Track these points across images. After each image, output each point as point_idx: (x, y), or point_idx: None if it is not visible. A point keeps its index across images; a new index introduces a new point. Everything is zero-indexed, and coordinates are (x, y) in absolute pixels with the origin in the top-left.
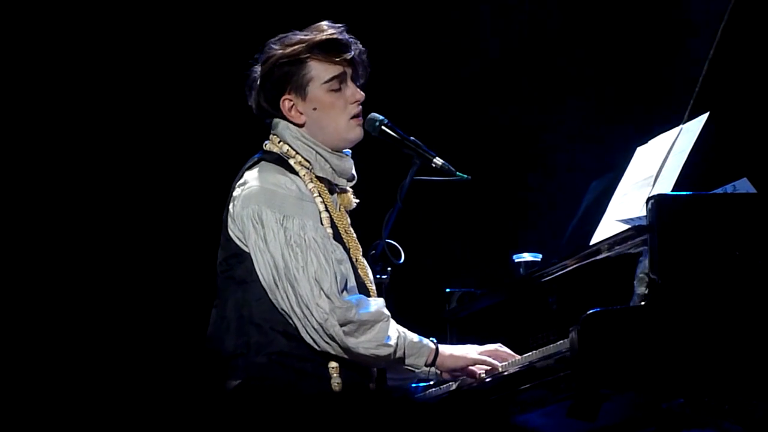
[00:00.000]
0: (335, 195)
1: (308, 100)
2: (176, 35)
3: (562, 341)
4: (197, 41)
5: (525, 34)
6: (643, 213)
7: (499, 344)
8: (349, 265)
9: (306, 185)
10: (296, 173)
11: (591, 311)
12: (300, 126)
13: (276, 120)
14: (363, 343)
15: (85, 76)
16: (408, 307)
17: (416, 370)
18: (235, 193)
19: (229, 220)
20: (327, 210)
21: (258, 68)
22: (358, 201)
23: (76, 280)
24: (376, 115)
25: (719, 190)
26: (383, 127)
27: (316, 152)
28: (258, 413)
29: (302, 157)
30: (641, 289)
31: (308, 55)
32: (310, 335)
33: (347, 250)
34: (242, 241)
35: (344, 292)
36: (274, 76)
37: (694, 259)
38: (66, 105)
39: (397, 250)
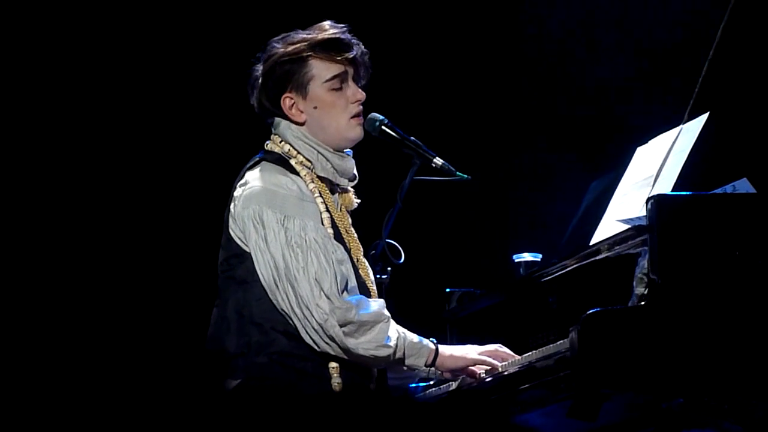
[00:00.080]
0: (336, 195)
1: (309, 99)
2: (178, 35)
3: (562, 341)
4: (199, 41)
5: (525, 33)
6: (643, 213)
7: (499, 344)
8: (349, 265)
9: (307, 185)
10: (297, 173)
11: (591, 311)
12: (300, 125)
13: (277, 120)
14: (363, 344)
15: (86, 75)
16: (408, 307)
17: (416, 371)
18: (236, 193)
19: (230, 220)
20: (328, 210)
21: (260, 67)
22: (359, 201)
23: (77, 279)
24: (376, 114)
25: (719, 190)
26: (383, 127)
27: (318, 152)
28: (258, 413)
29: (303, 156)
30: (640, 290)
31: (310, 53)
32: (310, 336)
33: (348, 251)
34: (243, 241)
35: (345, 292)
36: (275, 74)
37: (693, 259)
38: (67, 105)
39: (397, 250)
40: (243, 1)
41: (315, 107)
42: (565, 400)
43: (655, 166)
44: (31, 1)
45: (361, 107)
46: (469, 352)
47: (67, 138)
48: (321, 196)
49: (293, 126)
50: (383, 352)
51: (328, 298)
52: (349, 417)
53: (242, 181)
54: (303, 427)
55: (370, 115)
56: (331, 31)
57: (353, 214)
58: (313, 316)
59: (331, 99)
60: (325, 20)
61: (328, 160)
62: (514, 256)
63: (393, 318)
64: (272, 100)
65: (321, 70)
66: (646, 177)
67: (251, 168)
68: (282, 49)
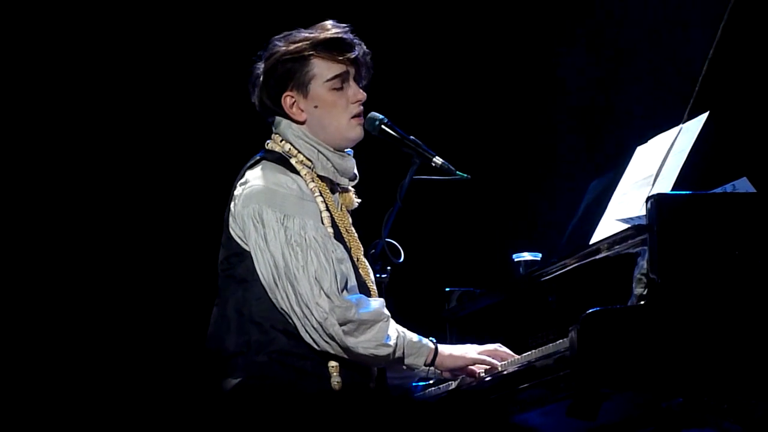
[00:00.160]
0: (337, 194)
1: (310, 98)
2: (179, 34)
3: (561, 340)
4: (200, 40)
5: (525, 32)
6: (643, 212)
7: (499, 344)
8: (349, 264)
9: (307, 184)
10: (297, 172)
11: (590, 310)
12: (301, 124)
13: (278, 119)
14: (362, 343)
15: (86, 75)
16: (407, 306)
17: (416, 370)
18: (236, 192)
19: (230, 219)
20: (328, 209)
21: (261, 65)
22: (360, 201)
23: (77, 279)
24: (376, 114)
25: (719, 190)
26: (383, 126)
27: (318, 151)
28: (258, 412)
29: (304, 156)
30: (639, 290)
31: (312, 52)
32: (309, 334)
33: (348, 250)
34: (243, 240)
35: (344, 291)
36: (277, 72)
37: (693, 258)
38: (67, 104)
39: (396, 249)
40: (243, 1)
41: (316, 106)
42: (564, 400)
43: (655, 165)
44: (31, 1)
45: (361, 107)
46: (469, 351)
47: (67, 138)
48: (321, 195)
49: (294, 125)
50: (383, 351)
51: (327, 296)
52: (349, 416)
53: (242, 180)
54: (303, 426)
55: (369, 115)
56: (334, 30)
57: (353, 213)
58: (312, 314)
59: (332, 99)
60: (327, 20)
61: (328, 159)
62: (514, 256)
63: (393, 317)
64: (273, 98)
65: (322, 69)
66: (646, 176)
67: (251, 167)
68: (284, 48)
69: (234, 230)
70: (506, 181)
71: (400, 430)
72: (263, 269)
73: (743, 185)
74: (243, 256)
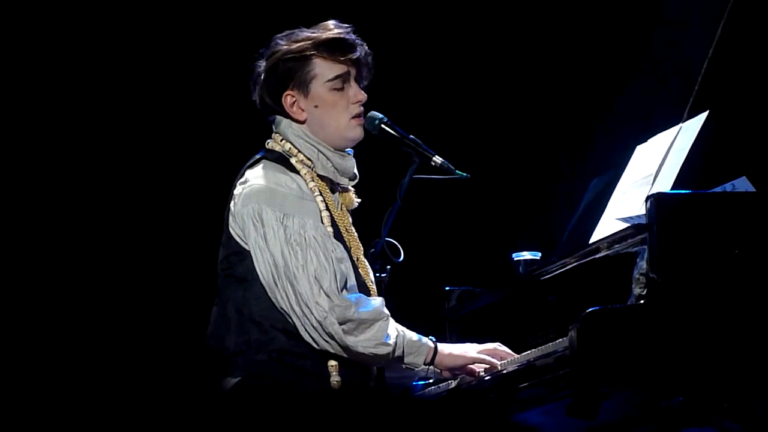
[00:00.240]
0: (337, 194)
1: (310, 98)
2: (179, 33)
3: (561, 339)
4: (200, 39)
5: (524, 31)
6: (643, 211)
7: (498, 343)
8: (349, 263)
9: (307, 184)
10: (297, 172)
11: (590, 309)
12: (301, 123)
13: (279, 118)
14: (362, 342)
15: (87, 74)
16: (407, 305)
17: (415, 369)
18: (236, 192)
19: (230, 218)
20: (328, 209)
21: (263, 63)
22: (360, 200)
23: (77, 278)
24: (376, 113)
25: (718, 189)
26: (383, 126)
27: (318, 150)
28: (258, 411)
29: (304, 155)
30: (638, 290)
31: (314, 52)
32: (309, 334)
33: (348, 249)
34: (243, 240)
35: (344, 290)
36: (278, 71)
37: (693, 257)
38: (66, 104)
39: (396, 249)
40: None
41: (316, 106)
42: (564, 399)
43: (655, 164)
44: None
45: (362, 108)
46: (468, 350)
47: (66, 137)
48: (321, 194)
49: (294, 124)
50: (382, 350)
51: (327, 296)
52: (349, 415)
53: (242, 180)
54: (302, 425)
55: (369, 114)
56: (336, 30)
57: (353, 212)
58: (312, 314)
59: (333, 99)
60: (328, 19)
61: (328, 159)
62: (514, 255)
63: (392, 316)
64: (274, 96)
65: (324, 69)
66: (646, 175)
67: (251, 166)
68: (286, 47)
69: (234, 229)
70: (506, 180)
71: (400, 428)
72: (263, 268)
73: (743, 184)
74: (243, 256)
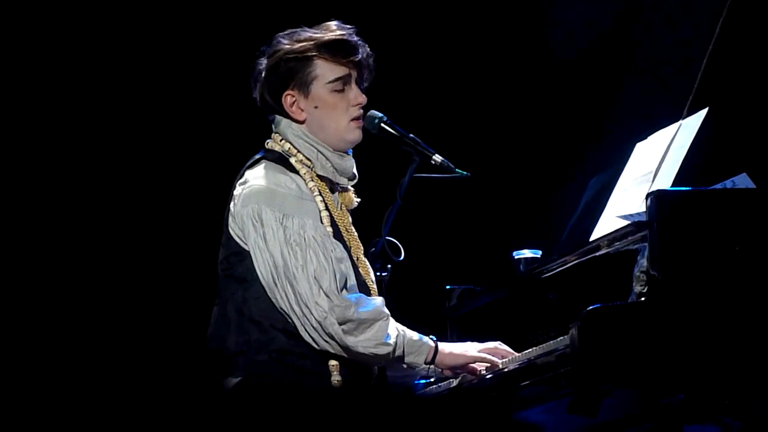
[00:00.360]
0: (336, 193)
1: (311, 98)
2: (179, 33)
3: (562, 338)
4: (200, 39)
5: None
6: (643, 209)
7: (499, 342)
8: (349, 263)
9: (306, 184)
10: (297, 172)
11: (591, 307)
12: (300, 123)
13: (278, 118)
14: (362, 342)
15: (87, 73)
16: (408, 304)
17: (416, 368)
18: (236, 192)
19: (230, 218)
20: (327, 209)
21: (264, 61)
22: (359, 200)
23: (77, 278)
24: (375, 112)
25: (718, 186)
26: (382, 125)
27: (318, 151)
28: (258, 410)
29: (303, 155)
30: (638, 288)
31: (316, 53)
32: (309, 334)
33: (348, 249)
34: (242, 240)
35: (344, 290)
36: (279, 70)
37: (693, 254)
38: (66, 103)
39: (397, 248)
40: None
41: (316, 107)
42: (565, 397)
43: (655, 161)
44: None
45: (361, 111)
46: (469, 349)
47: (66, 137)
48: (320, 194)
49: (294, 124)
50: (382, 350)
51: (327, 296)
52: (350, 414)
53: (242, 180)
54: (303, 424)
55: (369, 113)
56: (339, 32)
57: (353, 212)
58: (312, 314)
59: (333, 100)
60: (330, 19)
61: (327, 159)
62: (514, 253)
63: (393, 315)
64: (274, 95)
65: (325, 71)
66: (646, 173)
67: (251, 166)
68: (288, 46)
69: (233, 230)
70: (506, 179)
71: (402, 427)
72: (262, 269)
73: (743, 181)
74: (242, 256)
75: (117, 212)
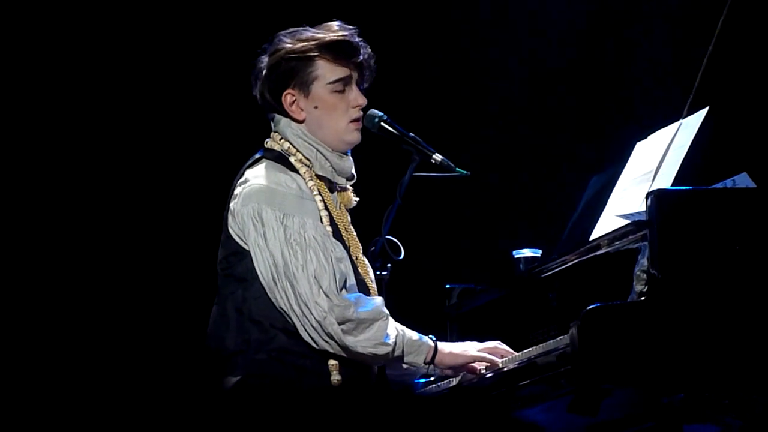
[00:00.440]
0: (335, 193)
1: (311, 98)
2: (179, 33)
3: (562, 337)
4: (200, 39)
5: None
6: (643, 208)
7: (498, 341)
8: (348, 263)
9: (306, 183)
10: (296, 171)
11: (591, 307)
12: (300, 122)
13: (278, 117)
14: (361, 342)
15: (86, 73)
16: (408, 304)
17: (416, 368)
18: (236, 191)
19: (230, 217)
20: (327, 208)
21: (265, 59)
22: (358, 200)
23: (77, 277)
24: (375, 111)
25: (719, 185)
26: (382, 124)
27: (317, 150)
28: (258, 410)
29: (303, 155)
30: (639, 287)
31: (317, 53)
32: (308, 333)
33: (347, 249)
34: (242, 239)
35: (343, 290)
36: (280, 69)
37: (693, 254)
38: (66, 103)
39: (396, 247)
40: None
41: (316, 107)
42: (565, 396)
43: (655, 161)
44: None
45: (361, 113)
46: (469, 348)
47: (66, 137)
48: (320, 194)
49: (293, 124)
50: (382, 350)
51: (326, 295)
52: (350, 413)
53: (242, 179)
54: (303, 423)
55: (369, 112)
56: (341, 33)
57: (353, 211)
58: (311, 313)
59: (333, 101)
60: (332, 19)
61: (326, 159)
62: (514, 252)
63: (393, 314)
64: (274, 94)
65: (326, 71)
66: (646, 172)
67: (251, 166)
68: (290, 45)
69: (233, 229)
70: (506, 178)
71: (402, 427)
72: (262, 268)
73: (743, 180)
74: (242, 255)
75: (117, 212)
